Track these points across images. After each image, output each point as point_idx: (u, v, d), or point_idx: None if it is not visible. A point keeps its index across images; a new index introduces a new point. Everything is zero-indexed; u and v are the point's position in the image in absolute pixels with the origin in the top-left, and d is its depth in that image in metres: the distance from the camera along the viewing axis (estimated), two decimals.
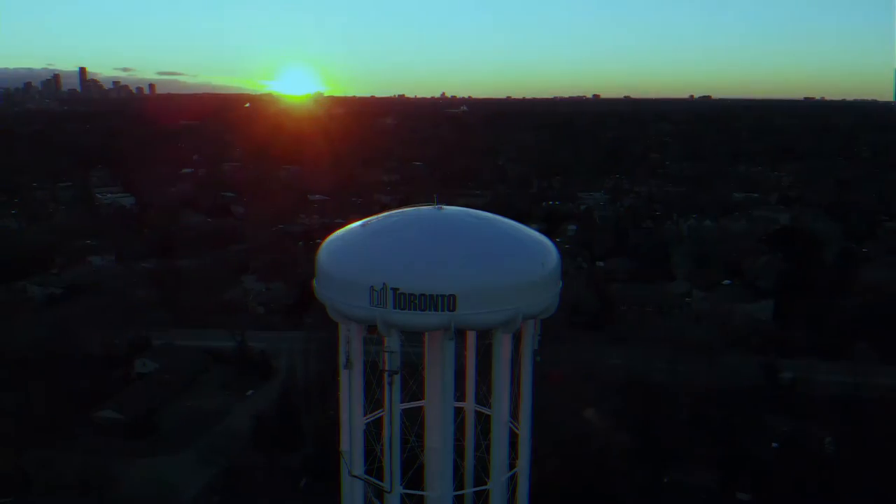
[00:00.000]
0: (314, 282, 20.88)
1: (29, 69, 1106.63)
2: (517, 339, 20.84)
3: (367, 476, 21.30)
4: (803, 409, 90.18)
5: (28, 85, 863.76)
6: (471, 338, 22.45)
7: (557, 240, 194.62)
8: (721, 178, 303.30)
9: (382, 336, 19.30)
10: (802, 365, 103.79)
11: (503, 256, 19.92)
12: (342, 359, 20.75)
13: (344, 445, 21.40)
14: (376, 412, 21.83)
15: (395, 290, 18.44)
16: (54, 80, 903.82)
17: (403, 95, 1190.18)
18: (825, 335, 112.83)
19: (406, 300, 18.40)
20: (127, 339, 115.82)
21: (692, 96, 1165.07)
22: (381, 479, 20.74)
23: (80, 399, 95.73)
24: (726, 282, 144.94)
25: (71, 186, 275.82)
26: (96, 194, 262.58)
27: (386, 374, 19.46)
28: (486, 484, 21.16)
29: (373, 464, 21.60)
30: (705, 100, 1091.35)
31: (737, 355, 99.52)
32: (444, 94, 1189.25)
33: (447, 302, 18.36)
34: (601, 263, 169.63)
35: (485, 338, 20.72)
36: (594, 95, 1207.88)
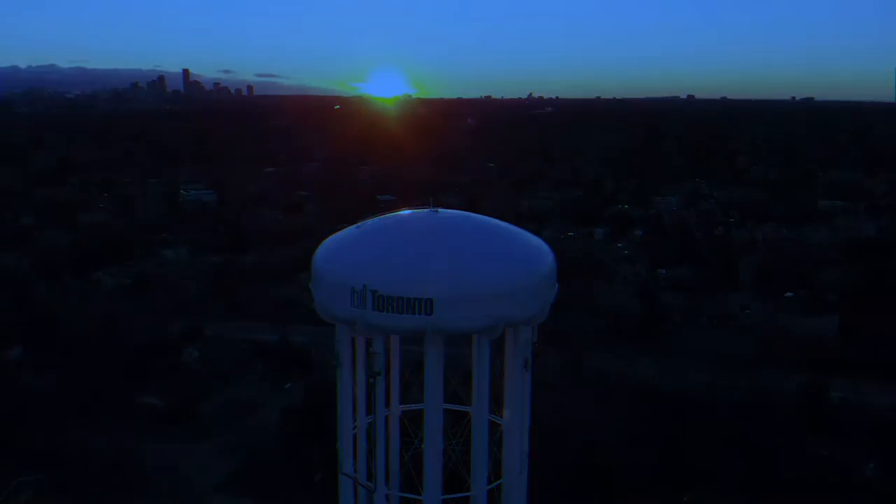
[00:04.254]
0: (310, 283, 21.36)
1: (137, 70, 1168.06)
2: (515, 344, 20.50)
3: (355, 476, 21.46)
4: (848, 432, 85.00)
5: (135, 85, 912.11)
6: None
7: (619, 244, 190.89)
8: (810, 184, 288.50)
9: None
10: (857, 385, 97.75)
11: (486, 261, 19.54)
12: (335, 359, 21.14)
13: (340, 443, 21.77)
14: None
15: (374, 292, 18.57)
16: (160, 80, 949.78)
17: (490, 97, 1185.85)
18: (887, 354, 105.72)
19: (384, 302, 18.50)
20: (179, 329, 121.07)
21: (793, 97, 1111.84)
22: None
23: (127, 384, 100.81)
24: (789, 294, 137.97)
25: (159, 182, 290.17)
26: (181, 190, 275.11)
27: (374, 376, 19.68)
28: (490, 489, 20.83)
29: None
30: (807, 101, 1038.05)
31: (780, 371, 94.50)
32: (531, 94, 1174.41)
33: (424, 306, 18.31)
34: (663, 271, 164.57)
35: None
36: (689, 96, 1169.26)
